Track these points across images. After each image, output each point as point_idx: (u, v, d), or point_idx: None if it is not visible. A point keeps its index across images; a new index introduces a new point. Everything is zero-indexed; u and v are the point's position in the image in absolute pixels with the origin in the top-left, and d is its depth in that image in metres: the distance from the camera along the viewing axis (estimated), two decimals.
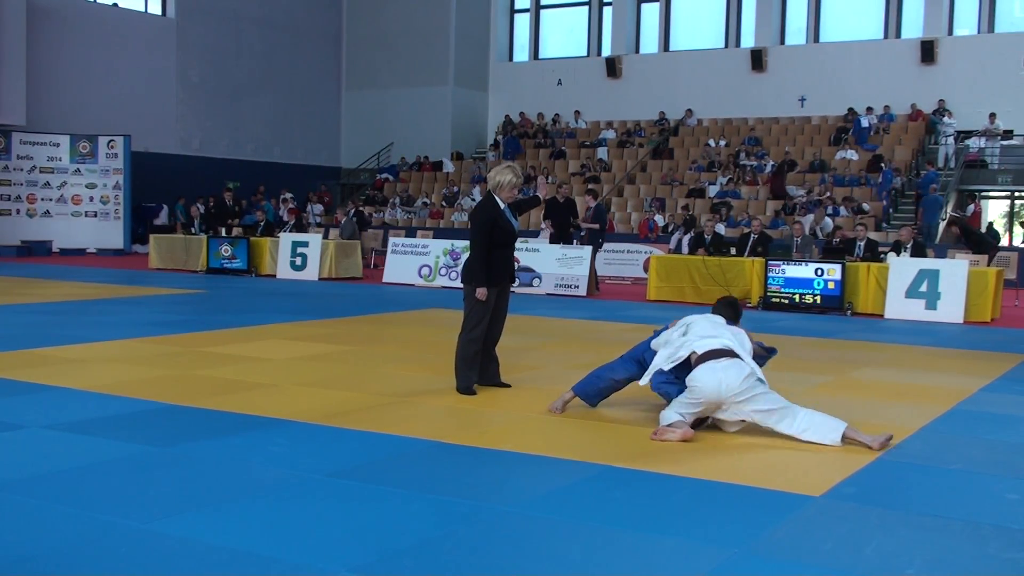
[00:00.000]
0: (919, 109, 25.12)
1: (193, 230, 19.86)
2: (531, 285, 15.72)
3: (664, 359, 5.84)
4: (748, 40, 28.02)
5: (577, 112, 29.64)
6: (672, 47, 29.29)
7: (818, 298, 13.45)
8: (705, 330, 5.84)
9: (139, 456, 5.00)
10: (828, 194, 22.19)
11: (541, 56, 31.44)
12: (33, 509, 4.11)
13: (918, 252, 14.06)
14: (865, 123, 25.01)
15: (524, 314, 12.39)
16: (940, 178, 22.83)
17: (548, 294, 15.43)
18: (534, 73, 30.96)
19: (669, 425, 5.54)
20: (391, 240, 18.07)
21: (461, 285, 6.91)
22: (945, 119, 24.36)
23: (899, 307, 13.05)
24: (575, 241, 16.11)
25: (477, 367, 6.82)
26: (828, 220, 20.83)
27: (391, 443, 5.37)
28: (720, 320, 6.08)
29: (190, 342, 9.05)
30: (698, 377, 5.55)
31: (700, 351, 5.65)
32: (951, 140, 24.17)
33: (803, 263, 13.74)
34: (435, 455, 5.17)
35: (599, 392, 6.30)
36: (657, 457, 5.17)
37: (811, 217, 20.77)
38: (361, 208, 18.82)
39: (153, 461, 4.92)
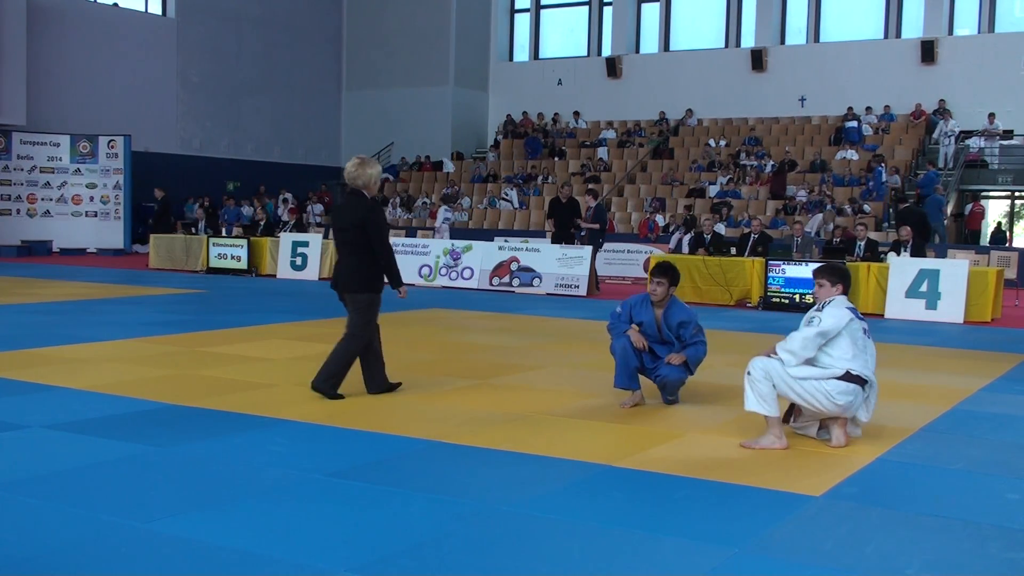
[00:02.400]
0: (923, 109, 25.10)
1: (194, 230, 19.85)
2: (531, 285, 15.72)
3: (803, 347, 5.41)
4: (748, 40, 28.01)
5: (577, 112, 29.62)
6: (672, 47, 29.27)
7: None
8: (851, 347, 5.50)
9: (139, 456, 5.00)
10: (828, 194, 22.18)
11: (541, 56, 31.41)
12: (33, 509, 4.11)
13: (918, 252, 14.08)
14: (853, 124, 25.00)
15: (524, 314, 12.39)
16: (940, 178, 22.81)
17: (548, 294, 15.43)
18: (534, 73, 30.95)
19: (764, 438, 5.43)
20: (391, 240, 18.04)
21: (358, 293, 6.86)
22: (945, 120, 24.35)
23: (899, 307, 13.05)
24: (576, 241, 16.12)
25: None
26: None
27: (391, 443, 5.37)
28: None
29: (190, 342, 9.05)
30: (842, 392, 5.38)
31: (854, 370, 5.42)
32: (951, 140, 24.15)
33: (803, 263, 13.74)
34: (435, 455, 5.17)
35: (632, 373, 6.40)
36: (657, 457, 5.17)
37: (819, 218, 20.69)
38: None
39: (153, 461, 4.92)
